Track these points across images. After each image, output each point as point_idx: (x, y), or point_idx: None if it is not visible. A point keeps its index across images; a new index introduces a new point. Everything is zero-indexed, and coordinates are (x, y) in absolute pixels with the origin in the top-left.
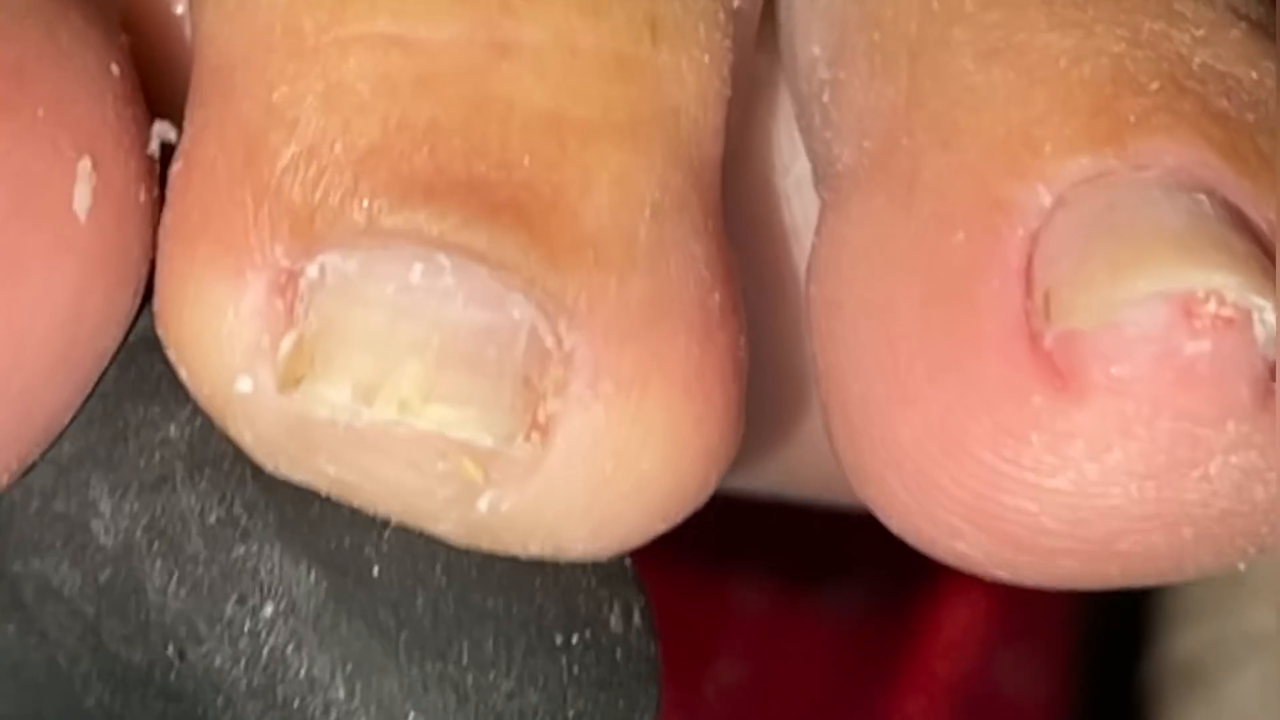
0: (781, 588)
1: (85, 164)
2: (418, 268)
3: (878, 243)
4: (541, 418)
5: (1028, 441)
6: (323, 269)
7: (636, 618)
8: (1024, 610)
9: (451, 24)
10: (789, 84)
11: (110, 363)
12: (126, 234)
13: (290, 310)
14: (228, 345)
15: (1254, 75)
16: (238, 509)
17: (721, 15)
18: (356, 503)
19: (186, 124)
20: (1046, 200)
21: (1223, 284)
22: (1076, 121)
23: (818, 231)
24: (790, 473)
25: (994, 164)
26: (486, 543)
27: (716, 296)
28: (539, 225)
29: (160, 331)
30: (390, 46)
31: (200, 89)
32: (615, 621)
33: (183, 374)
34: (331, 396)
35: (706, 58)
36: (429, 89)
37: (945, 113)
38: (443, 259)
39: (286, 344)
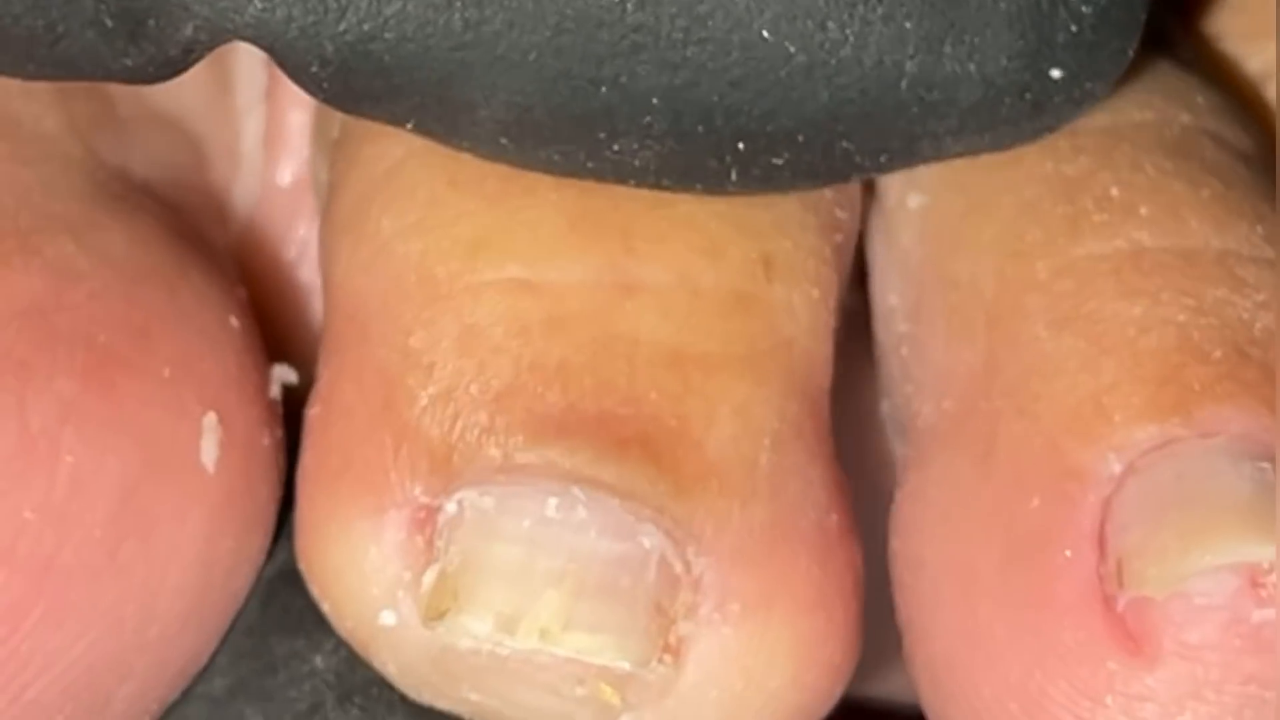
0: None
1: (211, 418)
2: (552, 502)
3: (958, 504)
4: (673, 640)
5: (1103, 703)
6: (461, 505)
7: None
8: None
9: (578, 267)
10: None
11: (253, 598)
12: (254, 480)
13: (430, 545)
14: (371, 580)
15: None
16: None
17: (828, 251)
18: None
19: (321, 369)
20: (1117, 468)
21: None
22: (1145, 391)
23: (900, 486)
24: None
25: (1067, 432)
26: None
27: (833, 518)
28: (666, 457)
29: (303, 568)
30: (520, 290)
31: (335, 336)
32: None
33: (326, 608)
34: (475, 628)
35: (816, 292)
36: (558, 329)
37: (1020, 379)
38: (577, 493)
39: (429, 578)
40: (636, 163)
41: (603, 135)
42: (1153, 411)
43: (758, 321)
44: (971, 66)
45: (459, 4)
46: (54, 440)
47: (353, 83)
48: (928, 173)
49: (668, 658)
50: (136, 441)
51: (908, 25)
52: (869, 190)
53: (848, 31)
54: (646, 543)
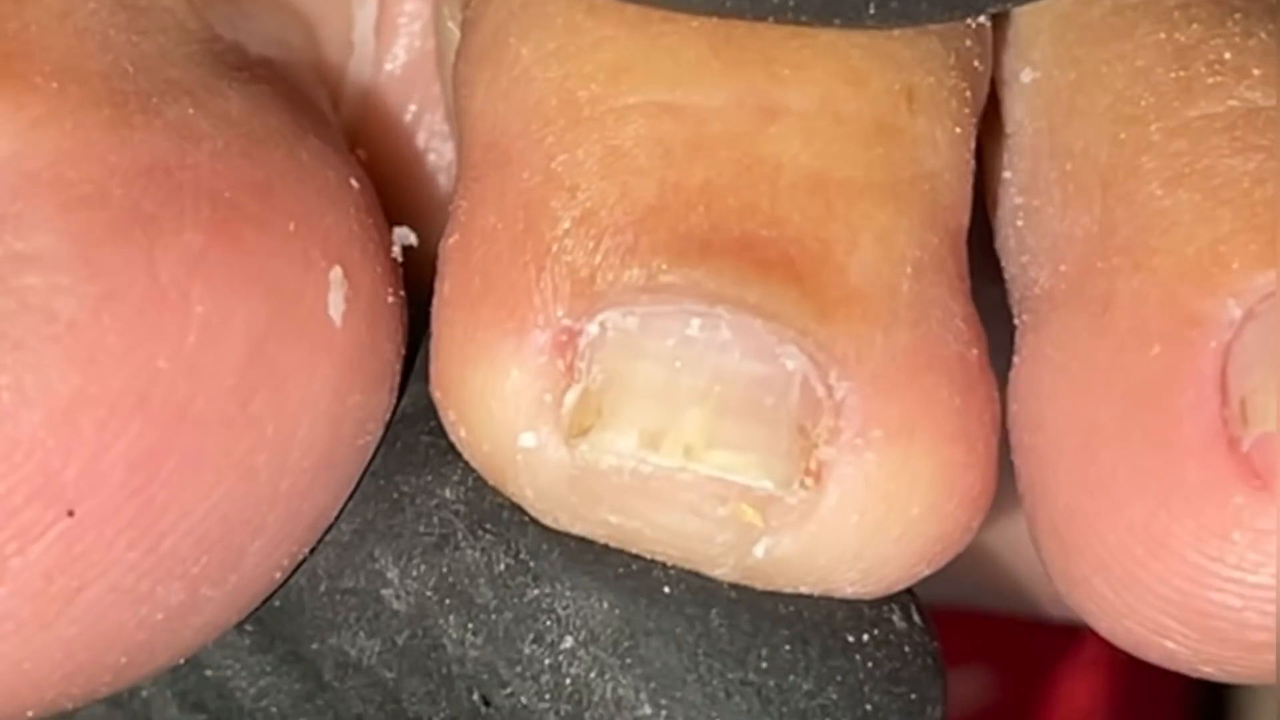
0: None
1: (337, 272)
2: (695, 322)
3: (1077, 359)
4: (814, 465)
5: (1230, 540)
6: (604, 326)
7: (916, 616)
8: (1134, 709)
9: (721, 91)
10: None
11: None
12: (379, 336)
13: (571, 368)
14: (512, 403)
15: None
16: (524, 555)
17: (969, 93)
18: (635, 549)
19: (459, 199)
20: (1237, 313)
21: None
22: (1262, 238)
23: (1017, 352)
24: (991, 580)
25: (1185, 281)
26: (761, 584)
27: (974, 352)
28: (809, 280)
29: (438, 395)
30: (663, 114)
31: (474, 164)
32: (899, 620)
33: (462, 434)
34: (619, 445)
35: (958, 129)
36: (702, 152)
37: (1137, 236)
38: (720, 312)
39: (571, 397)
40: None
41: None
42: (1270, 257)
43: (900, 151)
44: None
45: None
46: (184, 291)
47: None
48: (1038, 47)
49: (810, 481)
50: (265, 294)
51: None
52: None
53: None
54: (790, 365)
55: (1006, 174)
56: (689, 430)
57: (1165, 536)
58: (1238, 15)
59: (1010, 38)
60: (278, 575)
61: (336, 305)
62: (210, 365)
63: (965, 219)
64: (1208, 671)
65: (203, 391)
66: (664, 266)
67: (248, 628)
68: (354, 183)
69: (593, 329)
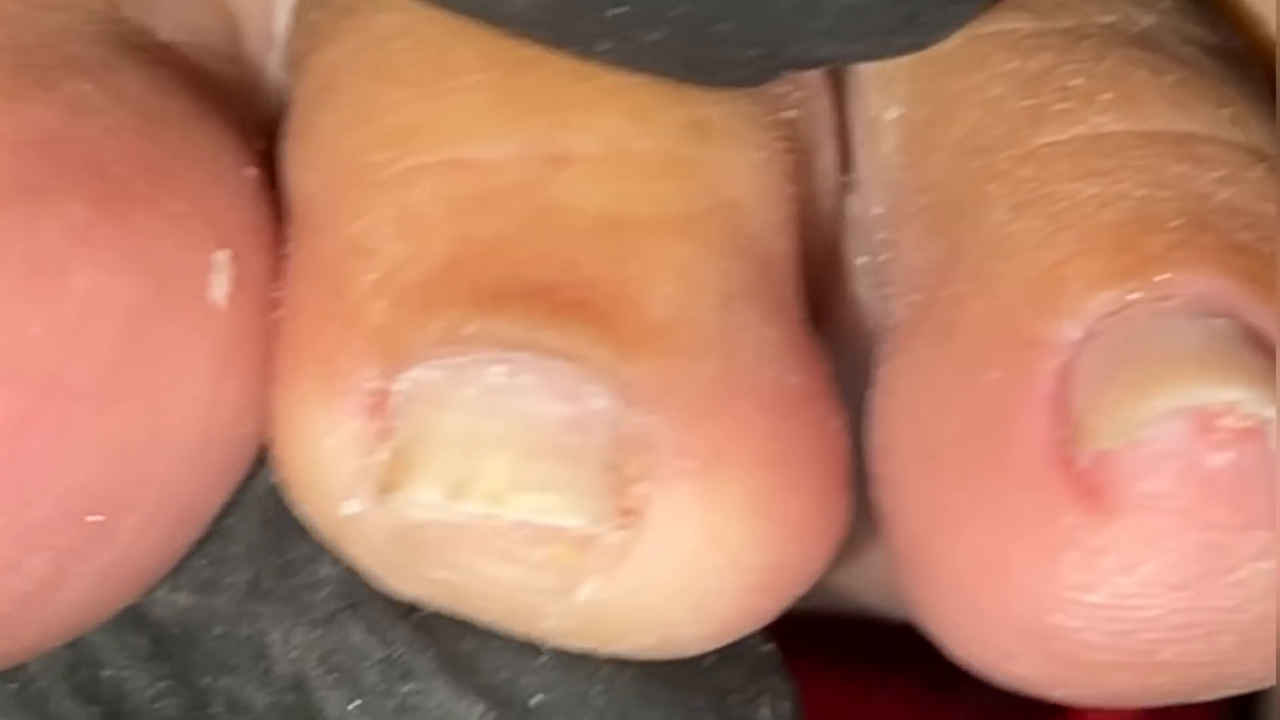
0: (921, 690)
1: (222, 256)
2: (498, 370)
3: (923, 388)
4: (629, 502)
5: (1063, 560)
6: (412, 384)
7: (787, 709)
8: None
9: (508, 143)
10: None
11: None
12: (264, 324)
13: (387, 430)
14: (332, 471)
15: (1273, 211)
16: (399, 647)
17: (769, 119)
18: (467, 611)
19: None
20: (1075, 334)
21: (1239, 397)
22: (1101, 260)
23: (873, 383)
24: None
25: (1025, 305)
26: (594, 638)
27: (795, 379)
28: (608, 319)
29: (280, 472)
30: (451, 170)
31: (292, 238)
32: (766, 715)
33: (301, 506)
34: (424, 497)
35: (760, 154)
36: (492, 205)
37: (981, 262)
38: (521, 358)
39: (382, 455)
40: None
41: None
42: (1109, 278)
43: (694, 183)
44: None
45: None
46: (64, 262)
47: None
48: (900, 83)
49: (624, 519)
50: (146, 270)
51: None
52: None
53: None
54: (596, 403)
55: (877, 210)
56: (493, 476)
57: (1002, 561)
58: (1090, 40)
59: (877, 74)
60: (154, 564)
61: (220, 288)
62: (85, 338)
63: (783, 244)
64: (1063, 694)
65: (76, 362)
66: (463, 319)
67: (145, 638)
68: (250, 171)
69: (401, 388)
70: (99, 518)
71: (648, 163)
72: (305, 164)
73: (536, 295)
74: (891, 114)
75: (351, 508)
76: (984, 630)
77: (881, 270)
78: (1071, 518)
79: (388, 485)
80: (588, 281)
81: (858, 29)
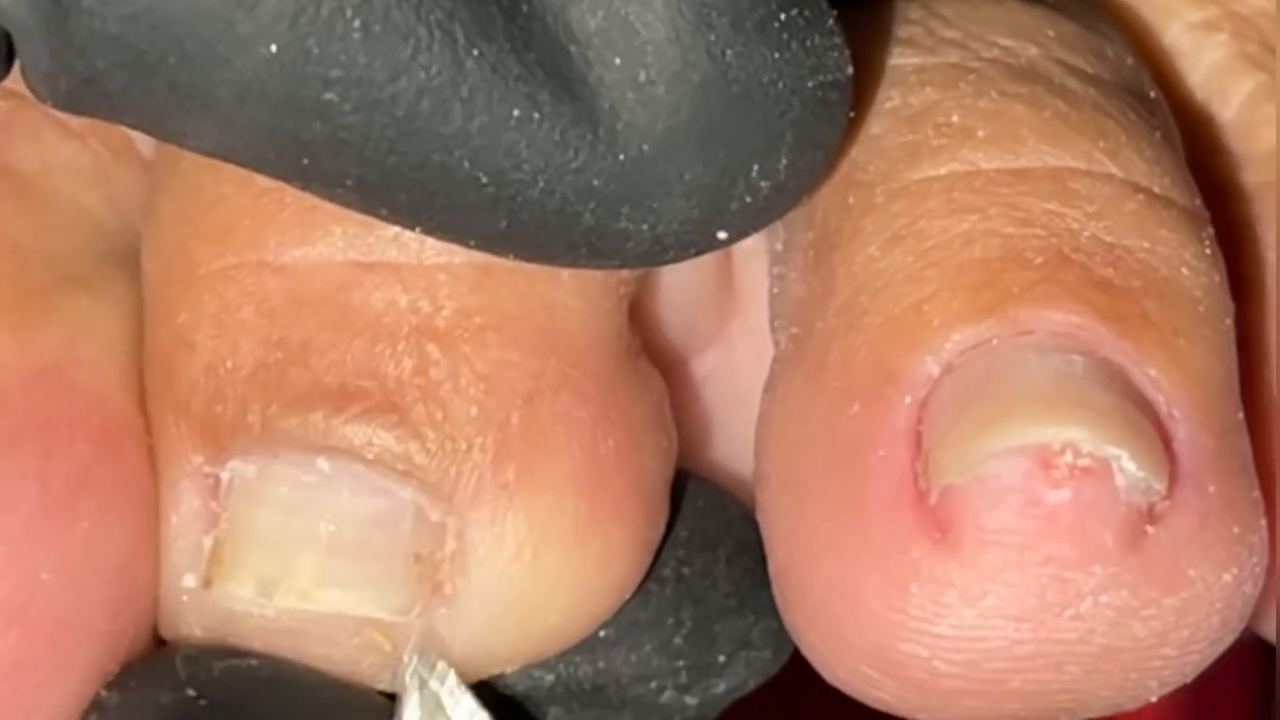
0: None
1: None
2: (307, 468)
3: (794, 419)
4: (444, 590)
5: (910, 591)
6: (232, 473)
7: None
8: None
9: (319, 246)
10: None
11: None
12: None
13: (218, 513)
14: (173, 546)
15: (1146, 244)
16: None
17: None
18: None
19: None
20: (934, 370)
21: (1077, 436)
22: (963, 296)
23: (759, 415)
24: None
25: (889, 340)
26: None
27: (610, 443)
28: (411, 422)
29: None
30: (265, 271)
31: (145, 318)
32: None
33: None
34: (238, 592)
35: None
36: (305, 307)
37: (853, 297)
38: (323, 461)
39: (206, 544)
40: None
41: (297, 183)
42: (969, 314)
43: (504, 290)
44: (644, 227)
45: (175, 64)
46: (72, 504)
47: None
48: None
49: (434, 601)
50: (140, 507)
51: (595, 182)
52: None
53: (539, 178)
54: (403, 496)
55: (778, 245)
56: (302, 574)
57: (857, 591)
58: (972, 76)
59: None
60: None
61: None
62: (89, 578)
63: (605, 328)
64: (926, 718)
65: (80, 604)
66: (274, 419)
67: None
68: None
69: (225, 475)
70: None
71: (456, 271)
72: (149, 250)
73: (342, 398)
74: None
75: (189, 582)
76: (845, 657)
77: (773, 302)
78: (919, 551)
79: (207, 579)
80: (394, 386)
81: (646, 261)
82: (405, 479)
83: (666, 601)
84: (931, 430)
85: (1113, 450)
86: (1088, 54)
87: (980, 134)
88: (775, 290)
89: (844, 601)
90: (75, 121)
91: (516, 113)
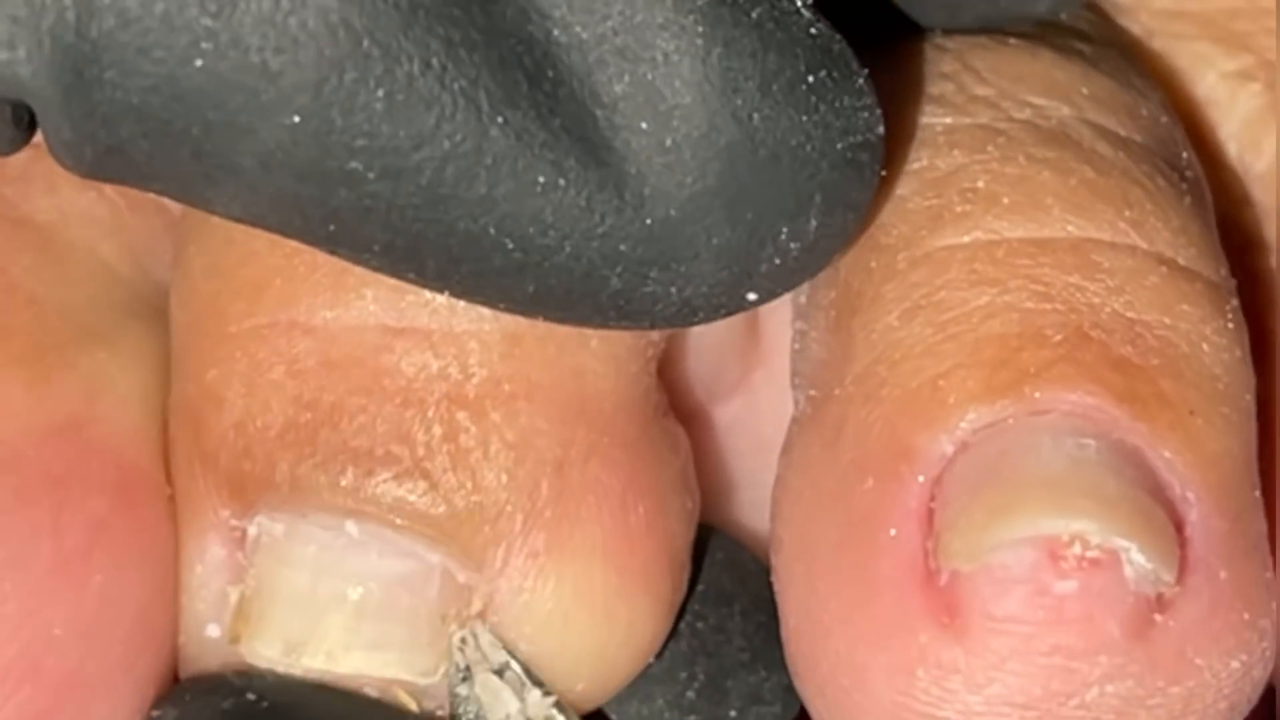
0: None
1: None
2: (335, 529)
3: (809, 486)
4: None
5: (916, 675)
6: (259, 528)
7: None
8: None
9: (351, 310)
10: None
11: None
12: None
13: (245, 566)
14: (198, 595)
15: (1167, 320)
16: None
17: None
18: None
19: None
20: (949, 448)
21: (1085, 528)
22: (980, 374)
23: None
24: None
25: (905, 415)
26: None
27: (640, 510)
28: (441, 488)
29: None
30: (296, 332)
31: (173, 365)
32: None
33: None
34: (266, 651)
35: None
36: (335, 370)
37: (871, 366)
38: (352, 524)
39: (232, 597)
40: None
41: (324, 248)
42: (986, 393)
43: (533, 358)
44: (673, 290)
45: (198, 134)
46: (86, 560)
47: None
48: None
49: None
50: (156, 561)
51: (622, 247)
52: None
53: (566, 243)
54: (431, 559)
55: (801, 299)
56: (329, 636)
57: (864, 670)
58: (1001, 140)
59: None
60: None
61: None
62: (103, 632)
63: (634, 391)
64: None
65: (94, 657)
66: (303, 479)
67: None
68: None
69: (252, 530)
70: None
71: (486, 338)
72: (179, 301)
73: (373, 461)
74: None
75: (213, 631)
76: None
77: (794, 359)
78: (926, 635)
79: (235, 635)
80: (421, 452)
81: (675, 324)
82: (434, 544)
83: (680, 655)
84: (944, 511)
85: (1121, 542)
86: (1121, 113)
87: (1005, 201)
88: (796, 346)
89: (851, 678)
90: None
91: (542, 179)
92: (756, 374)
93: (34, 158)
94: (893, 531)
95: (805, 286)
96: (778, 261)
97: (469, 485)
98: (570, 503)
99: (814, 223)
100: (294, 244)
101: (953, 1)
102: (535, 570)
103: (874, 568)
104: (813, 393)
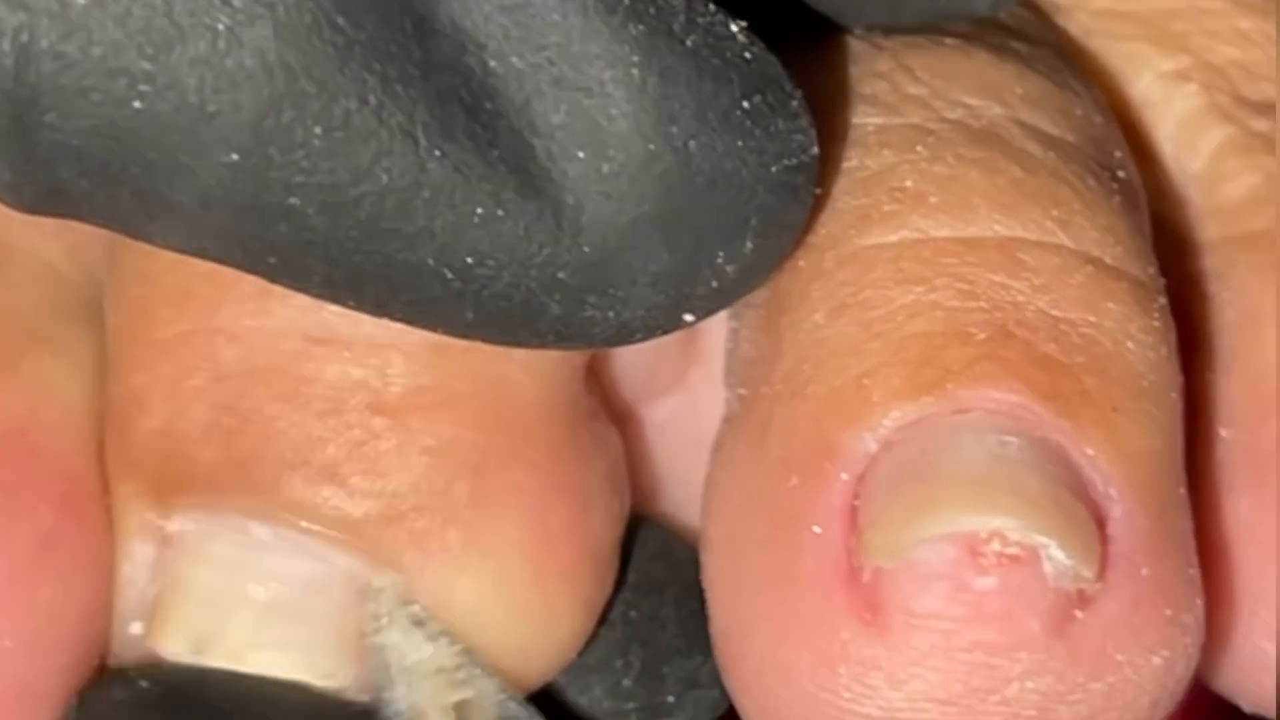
0: None
1: None
2: (249, 530)
3: (737, 485)
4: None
5: (838, 672)
6: (178, 527)
7: None
8: None
9: (275, 318)
10: None
11: None
12: None
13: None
14: (124, 594)
15: (1091, 318)
16: None
17: None
18: None
19: None
20: (873, 446)
21: (1004, 525)
22: (904, 371)
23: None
24: None
25: (829, 413)
26: None
27: (560, 512)
28: (354, 491)
29: None
30: (221, 339)
31: (104, 370)
32: None
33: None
34: (174, 647)
35: None
36: (254, 377)
37: (797, 364)
38: (261, 526)
39: (151, 597)
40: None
41: (264, 277)
42: (909, 391)
43: (455, 365)
44: (610, 314)
45: (137, 174)
46: (34, 570)
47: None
48: None
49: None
50: (101, 569)
51: (560, 276)
52: None
53: (504, 272)
54: (340, 562)
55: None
56: (234, 635)
57: (787, 667)
58: (930, 139)
59: None
60: None
61: None
62: (49, 643)
63: (559, 400)
64: None
65: (41, 669)
66: (217, 482)
67: None
68: None
69: (173, 529)
70: None
71: (409, 349)
72: (110, 304)
73: (287, 465)
74: None
75: (136, 629)
76: None
77: (727, 357)
78: (847, 632)
79: (150, 632)
80: (341, 457)
81: (613, 343)
82: (343, 547)
83: (615, 644)
84: (867, 508)
85: (1041, 539)
86: (1053, 113)
87: (933, 200)
88: (729, 346)
89: (775, 676)
90: None
91: (480, 210)
92: (694, 372)
93: None
94: (816, 529)
95: None
96: (714, 284)
97: (380, 487)
98: (488, 505)
99: (750, 245)
100: None
101: (892, 1)
102: (453, 568)
103: (797, 565)
104: (742, 391)
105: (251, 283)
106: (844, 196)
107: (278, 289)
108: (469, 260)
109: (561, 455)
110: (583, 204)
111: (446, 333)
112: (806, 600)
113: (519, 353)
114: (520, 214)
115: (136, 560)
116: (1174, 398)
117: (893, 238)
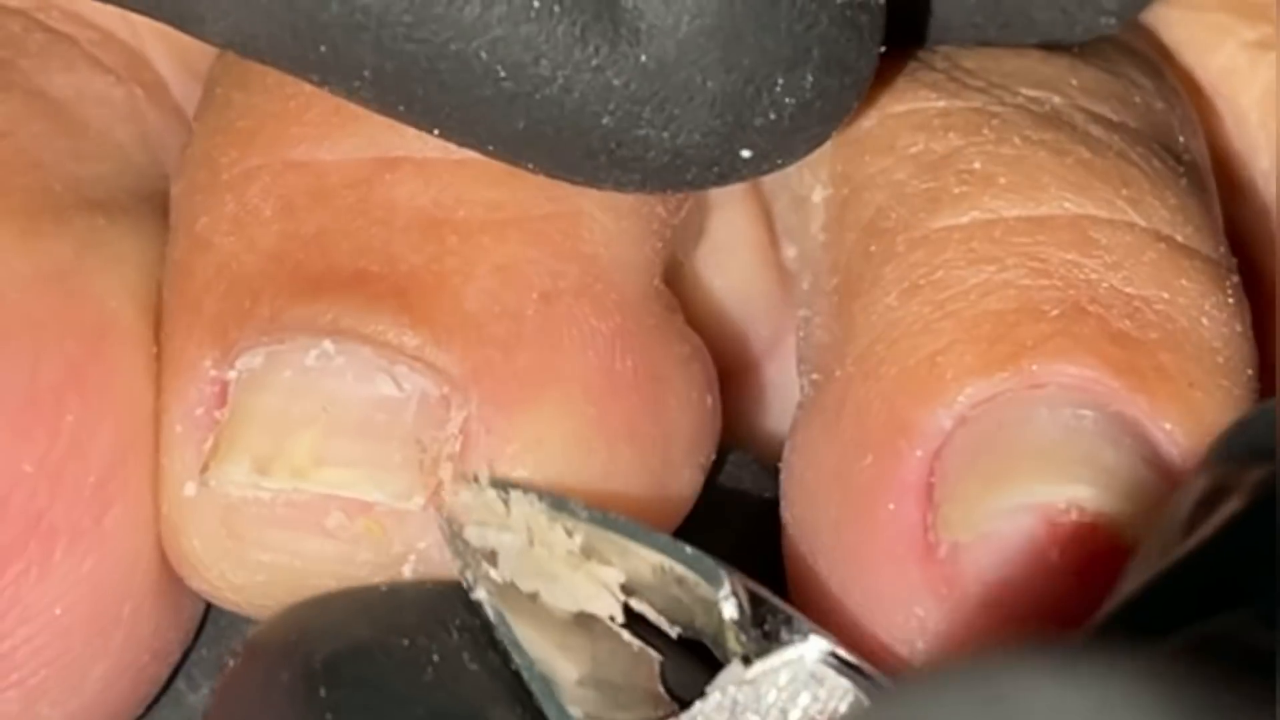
0: None
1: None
2: (312, 354)
3: (811, 467)
4: (442, 490)
5: (916, 648)
6: (239, 368)
7: None
8: None
9: (341, 145)
10: None
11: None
12: None
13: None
14: (178, 455)
15: (1165, 295)
16: None
17: None
18: (302, 591)
19: None
20: (947, 423)
21: (1081, 494)
22: (977, 349)
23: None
24: None
25: (903, 392)
26: None
27: (628, 363)
28: (421, 309)
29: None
30: (287, 170)
31: (169, 242)
32: None
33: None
34: (234, 474)
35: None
36: (320, 202)
37: (870, 346)
38: (328, 344)
39: (210, 440)
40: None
41: (315, 78)
42: (983, 367)
43: (531, 190)
44: (665, 134)
45: None
46: (59, 398)
47: None
48: (824, 165)
49: (432, 495)
50: (131, 411)
51: (615, 82)
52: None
53: (559, 73)
54: (406, 385)
55: (805, 285)
56: (298, 452)
57: (861, 645)
58: (995, 121)
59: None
60: (121, 711)
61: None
62: (73, 475)
63: (634, 254)
64: None
65: (61, 499)
66: (283, 307)
67: None
68: None
69: (233, 374)
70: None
71: (481, 170)
72: (179, 170)
73: (354, 285)
74: (817, 195)
75: (189, 490)
76: None
77: (799, 345)
78: (921, 608)
79: (206, 464)
80: (406, 274)
81: (668, 182)
82: (411, 363)
83: None
84: (943, 484)
85: (1114, 509)
86: (1113, 100)
87: (1002, 181)
88: (801, 334)
89: (851, 654)
90: (109, 58)
91: (536, 4)
92: (790, 340)
93: (53, 40)
94: (891, 506)
95: (808, 272)
96: (772, 116)
97: (449, 305)
98: (555, 333)
99: (810, 79)
100: (290, 90)
101: (981, 22)
102: (516, 388)
103: (874, 543)
104: (816, 376)
105: (320, 113)
106: (912, 181)
107: (344, 119)
108: (522, 58)
109: (634, 310)
110: (642, 10)
111: (498, 150)
112: (880, 579)
113: (594, 192)
114: (577, 13)
115: (189, 422)
116: (1249, 374)
117: (963, 219)
